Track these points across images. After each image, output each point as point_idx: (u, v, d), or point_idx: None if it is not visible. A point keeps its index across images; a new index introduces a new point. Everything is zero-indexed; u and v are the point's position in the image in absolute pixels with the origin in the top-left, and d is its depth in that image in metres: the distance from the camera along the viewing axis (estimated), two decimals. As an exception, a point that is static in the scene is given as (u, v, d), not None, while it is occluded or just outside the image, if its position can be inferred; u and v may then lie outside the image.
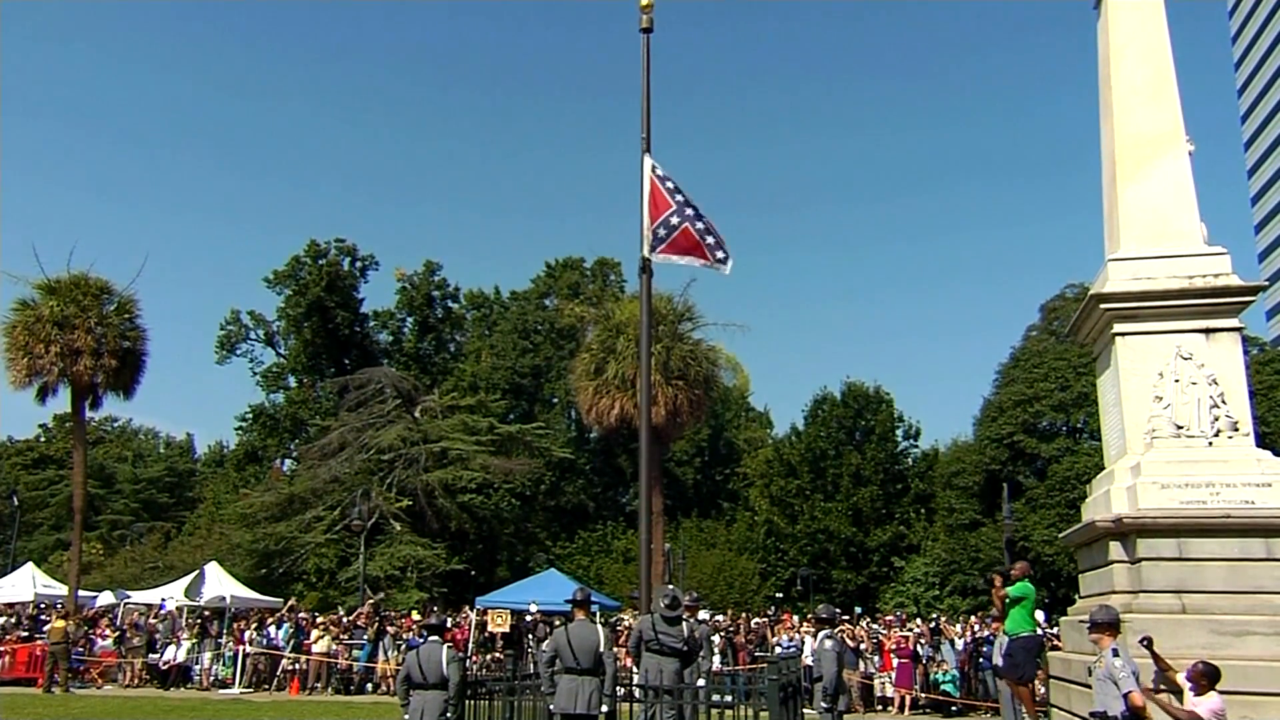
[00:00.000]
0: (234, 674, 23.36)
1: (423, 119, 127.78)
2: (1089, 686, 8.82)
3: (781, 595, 40.26)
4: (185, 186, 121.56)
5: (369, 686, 22.98)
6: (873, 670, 21.13)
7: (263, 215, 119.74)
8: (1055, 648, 14.01)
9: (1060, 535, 15.13)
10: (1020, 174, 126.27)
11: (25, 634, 25.13)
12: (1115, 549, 10.64)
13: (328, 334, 48.97)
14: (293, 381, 51.28)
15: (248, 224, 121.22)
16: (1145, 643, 8.91)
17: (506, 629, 24.40)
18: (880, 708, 20.63)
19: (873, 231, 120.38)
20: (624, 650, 12.16)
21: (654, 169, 10.59)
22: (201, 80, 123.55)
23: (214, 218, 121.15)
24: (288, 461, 49.86)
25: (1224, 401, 10.70)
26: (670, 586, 11.11)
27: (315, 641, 23.41)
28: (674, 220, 10.38)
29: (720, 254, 10.53)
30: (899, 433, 45.00)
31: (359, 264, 50.17)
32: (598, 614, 14.83)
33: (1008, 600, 12.01)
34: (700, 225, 10.41)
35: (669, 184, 10.51)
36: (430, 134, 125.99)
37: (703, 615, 18.55)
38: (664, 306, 31.23)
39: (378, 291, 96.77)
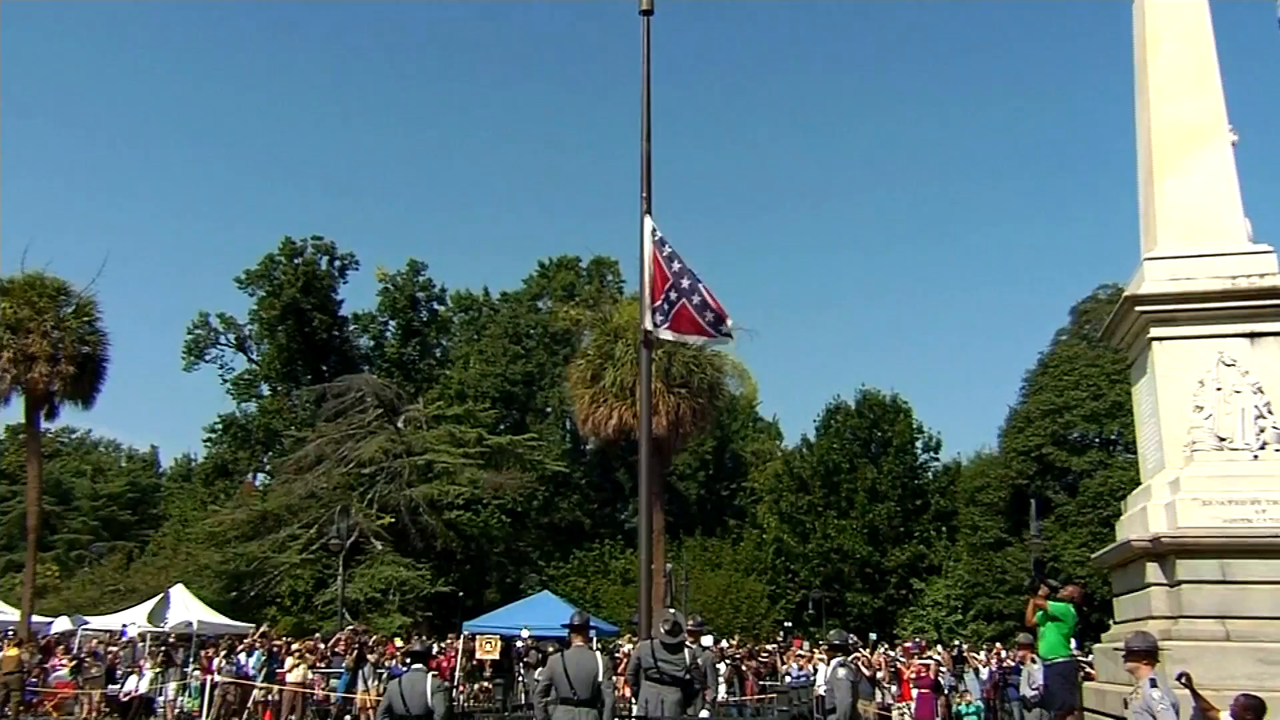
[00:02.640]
0: (201, 706, 23.26)
1: (405, 109, 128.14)
2: None
3: (792, 621, 40.24)
4: (150, 179, 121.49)
5: (347, 719, 22.94)
6: (890, 701, 21.13)
7: (234, 210, 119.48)
8: (1088, 677, 14.00)
9: (1093, 556, 15.15)
10: (1049, 167, 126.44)
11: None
12: (1153, 571, 10.62)
13: (304, 338, 49.01)
14: (266, 390, 51.33)
15: (218, 220, 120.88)
16: (1183, 679, 8.88)
17: (496, 656, 24.33)
18: (899, 741, 20.62)
19: (890, 230, 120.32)
20: (622, 679, 12.16)
21: (654, 232, 10.85)
22: (170, 67, 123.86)
23: (181, 213, 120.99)
24: (260, 476, 49.94)
25: (1270, 411, 10.69)
26: (671, 610, 11.13)
27: (289, 670, 23.30)
28: (672, 296, 10.75)
29: (722, 327, 10.95)
30: (918, 445, 45.14)
31: (338, 263, 50.29)
32: (595, 640, 14.83)
33: (1044, 615, 11.93)
34: (696, 300, 10.72)
35: (665, 250, 10.84)
36: (414, 124, 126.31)
37: (707, 641, 18.55)
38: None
39: (358, 293, 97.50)
